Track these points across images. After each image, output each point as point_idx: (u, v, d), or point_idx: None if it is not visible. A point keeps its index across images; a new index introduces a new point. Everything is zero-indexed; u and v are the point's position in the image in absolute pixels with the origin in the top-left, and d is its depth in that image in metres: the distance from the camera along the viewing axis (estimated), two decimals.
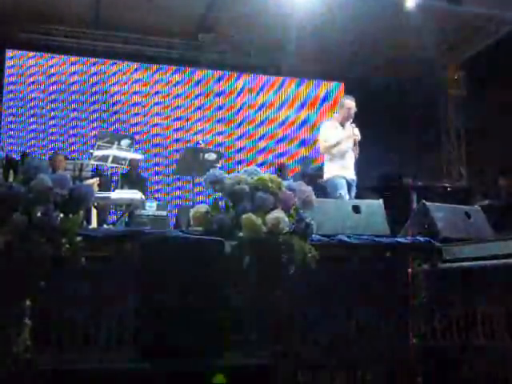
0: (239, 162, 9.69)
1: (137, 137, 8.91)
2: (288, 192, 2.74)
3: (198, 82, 9.84)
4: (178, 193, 9.29)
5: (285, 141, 10.07)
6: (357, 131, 5.56)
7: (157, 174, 9.37)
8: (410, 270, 3.28)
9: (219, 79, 9.95)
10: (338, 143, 5.52)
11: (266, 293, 2.61)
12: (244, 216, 2.60)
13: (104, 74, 9.40)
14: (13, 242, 2.35)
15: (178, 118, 9.63)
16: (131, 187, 6.51)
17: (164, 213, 6.60)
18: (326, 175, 5.63)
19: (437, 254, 3.29)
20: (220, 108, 9.86)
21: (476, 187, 8.35)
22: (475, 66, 9.03)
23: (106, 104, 9.33)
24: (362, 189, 6.03)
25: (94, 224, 5.51)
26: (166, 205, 7.34)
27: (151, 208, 6.36)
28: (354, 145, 5.54)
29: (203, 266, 2.37)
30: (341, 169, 5.55)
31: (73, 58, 9.23)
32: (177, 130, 9.59)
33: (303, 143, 10.13)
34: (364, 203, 3.63)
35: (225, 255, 2.48)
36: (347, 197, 5.39)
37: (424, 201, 3.71)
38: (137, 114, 9.43)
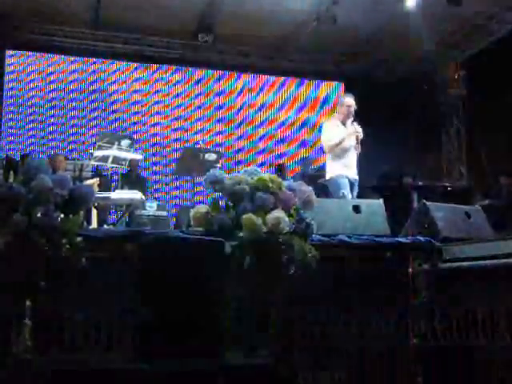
0: (239, 163, 9.68)
1: (136, 136, 8.94)
2: (288, 192, 2.74)
3: (198, 82, 9.83)
4: (177, 192, 9.29)
5: (285, 142, 10.07)
6: (359, 128, 5.53)
7: (156, 173, 9.37)
8: (410, 269, 3.28)
9: (219, 79, 9.94)
10: (342, 141, 5.50)
11: (266, 293, 2.61)
12: (244, 216, 2.60)
13: (103, 72, 9.40)
14: (13, 243, 2.35)
15: (178, 118, 9.63)
16: (131, 187, 6.52)
17: (164, 213, 6.61)
18: (329, 174, 5.61)
19: (437, 254, 3.29)
20: (220, 108, 9.86)
21: (476, 187, 8.35)
22: (476, 66, 9.03)
23: (105, 103, 9.33)
24: (363, 188, 6.03)
25: (94, 224, 5.51)
26: (166, 205, 7.35)
27: (151, 208, 6.36)
28: (357, 142, 5.53)
29: (203, 267, 2.37)
30: (343, 167, 5.52)
31: (72, 58, 9.23)
32: (176, 129, 9.58)
33: (303, 144, 10.12)
34: (364, 203, 3.63)
35: (225, 255, 2.48)
36: (350, 196, 5.38)
37: (424, 200, 3.71)
38: (136, 113, 9.43)
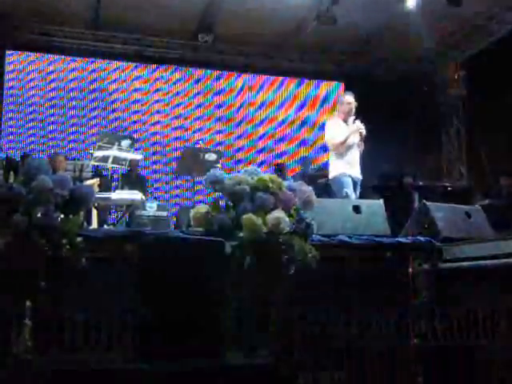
0: (238, 162, 9.67)
1: (136, 135, 8.95)
2: (288, 192, 2.74)
3: (198, 80, 9.82)
4: (177, 191, 9.28)
5: (284, 140, 10.05)
6: (361, 125, 5.49)
7: (156, 172, 9.35)
8: (410, 269, 3.28)
9: (219, 77, 9.93)
10: (347, 139, 5.47)
11: (266, 293, 2.61)
12: (244, 216, 2.60)
13: (103, 71, 9.38)
14: (13, 243, 2.35)
15: (178, 116, 9.61)
16: (131, 188, 6.52)
17: (164, 213, 6.60)
18: (332, 173, 5.58)
19: (437, 254, 3.29)
20: (219, 106, 9.84)
21: (476, 187, 8.35)
22: (476, 66, 9.03)
23: (105, 102, 9.31)
24: (363, 188, 6.02)
25: (94, 224, 5.51)
26: (166, 205, 7.34)
27: (151, 208, 6.36)
28: (361, 139, 5.50)
29: (203, 267, 2.37)
30: (347, 166, 5.49)
31: (73, 65, 9.21)
32: (176, 128, 9.57)
33: (303, 143, 10.10)
34: (364, 203, 3.63)
35: (225, 255, 2.48)
36: (353, 196, 5.36)
37: (424, 200, 3.71)
38: (136, 112, 9.42)
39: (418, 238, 3.38)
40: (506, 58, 7.74)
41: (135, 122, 9.39)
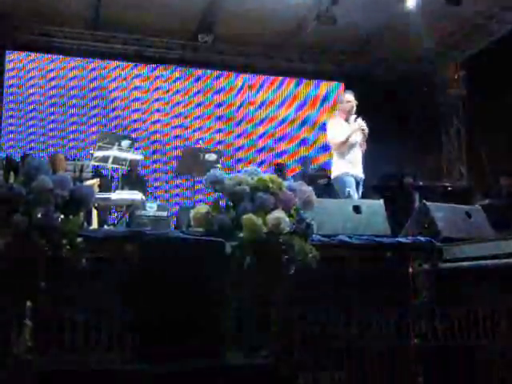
0: (238, 161, 9.67)
1: (136, 134, 8.98)
2: (288, 192, 2.74)
3: (198, 79, 9.81)
4: (177, 190, 9.28)
5: (285, 140, 10.04)
6: (363, 123, 5.46)
7: (156, 170, 9.35)
8: (410, 269, 3.28)
9: (219, 76, 9.93)
10: (349, 138, 5.45)
11: (266, 293, 2.61)
12: (244, 216, 2.60)
13: (103, 70, 9.38)
14: (13, 243, 2.35)
15: (178, 115, 9.61)
16: (132, 188, 6.52)
17: (164, 213, 6.61)
18: (335, 172, 5.54)
19: (437, 254, 3.29)
20: (219, 105, 9.83)
21: (476, 187, 8.35)
22: (476, 66, 9.03)
23: (105, 101, 9.30)
24: (364, 188, 6.01)
25: (94, 225, 5.51)
26: (166, 205, 7.34)
27: (152, 209, 6.36)
28: (364, 137, 5.46)
29: (204, 267, 2.37)
30: (349, 165, 5.46)
31: (73, 63, 9.21)
32: (176, 127, 9.56)
33: (303, 142, 10.10)
34: (365, 203, 3.64)
35: (225, 256, 2.48)
36: (356, 195, 5.34)
37: (424, 201, 3.71)
38: (136, 111, 9.42)
39: (418, 238, 3.38)
40: (506, 57, 7.74)
41: (135, 121, 9.39)
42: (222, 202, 2.78)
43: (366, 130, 5.45)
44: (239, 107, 9.93)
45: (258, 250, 2.58)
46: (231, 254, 2.53)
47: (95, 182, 5.70)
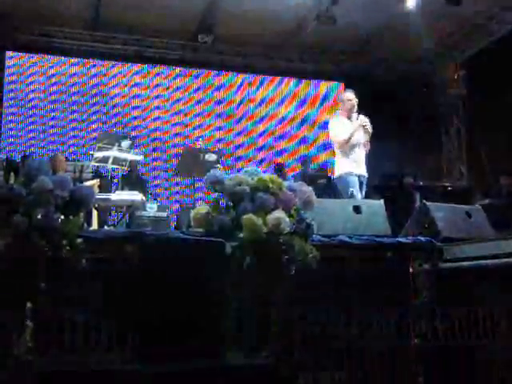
0: (238, 159, 9.66)
1: (136, 131, 8.99)
2: (289, 192, 2.74)
3: (197, 76, 9.80)
4: (177, 188, 9.27)
5: (284, 138, 10.03)
6: (365, 119, 5.43)
7: (156, 169, 9.34)
8: (410, 269, 3.28)
9: (218, 73, 9.92)
10: (351, 136, 5.41)
11: (266, 293, 2.61)
12: (244, 217, 2.60)
13: (102, 66, 9.37)
14: (13, 244, 2.35)
15: (177, 113, 9.59)
16: (132, 188, 6.52)
17: (165, 214, 6.60)
18: (338, 172, 5.52)
19: (438, 254, 3.29)
20: (219, 102, 9.81)
21: (476, 186, 8.35)
22: (476, 66, 9.03)
23: (104, 98, 9.29)
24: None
25: (94, 225, 5.51)
26: (166, 205, 7.34)
27: (152, 209, 6.35)
28: (367, 135, 5.44)
29: (204, 267, 2.37)
30: (352, 164, 5.43)
31: (72, 60, 9.22)
32: (176, 124, 9.55)
33: (303, 141, 10.09)
34: (365, 203, 3.64)
35: (225, 256, 2.48)
36: (359, 195, 5.31)
37: (424, 201, 3.71)
38: (136, 108, 9.41)
39: (419, 238, 3.38)
40: (505, 57, 7.75)
41: (135, 118, 9.39)
42: (222, 202, 2.78)
43: (368, 126, 5.43)
44: (239, 104, 9.91)
45: (258, 251, 2.58)
46: (231, 255, 2.53)
47: (95, 182, 5.70)
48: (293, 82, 10.20)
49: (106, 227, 6.05)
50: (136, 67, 9.52)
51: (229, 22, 8.77)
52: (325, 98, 10.28)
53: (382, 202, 3.65)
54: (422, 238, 3.35)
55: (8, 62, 8.98)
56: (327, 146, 9.85)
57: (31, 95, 9.00)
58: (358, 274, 3.17)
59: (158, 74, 9.61)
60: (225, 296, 2.41)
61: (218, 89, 9.85)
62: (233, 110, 9.86)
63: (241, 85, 9.97)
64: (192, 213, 2.78)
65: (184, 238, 2.84)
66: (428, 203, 3.65)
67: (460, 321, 3.10)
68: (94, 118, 9.21)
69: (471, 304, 3.09)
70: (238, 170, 2.89)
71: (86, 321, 2.64)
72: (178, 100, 9.63)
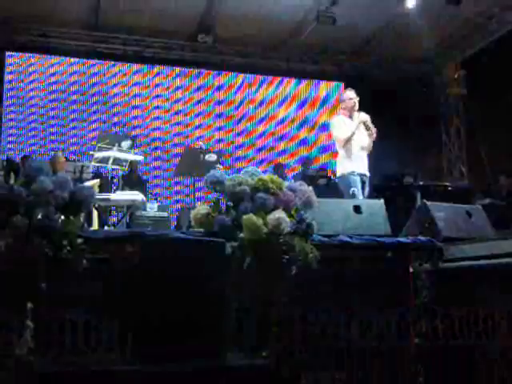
0: (238, 159, 9.66)
1: (136, 131, 9.00)
2: (289, 192, 2.74)
3: (198, 76, 9.81)
4: (178, 187, 9.27)
5: (284, 139, 10.03)
6: (364, 114, 5.41)
7: (156, 168, 9.35)
8: (410, 269, 3.28)
9: (219, 73, 9.92)
10: (353, 134, 5.37)
11: (266, 293, 2.61)
12: (245, 217, 2.60)
13: (102, 66, 9.37)
14: (14, 245, 2.35)
15: (177, 112, 9.60)
16: (132, 189, 6.52)
17: (165, 214, 6.60)
18: (340, 171, 5.49)
19: (438, 254, 3.29)
20: (220, 103, 9.82)
21: (476, 186, 8.35)
22: (476, 65, 9.03)
23: (104, 97, 9.30)
24: None
25: (95, 226, 5.51)
26: (166, 205, 7.34)
27: (152, 209, 6.36)
28: (368, 130, 5.45)
29: (204, 267, 2.38)
30: (354, 163, 5.40)
31: (72, 60, 9.23)
32: (176, 124, 9.55)
33: (303, 142, 10.09)
34: (365, 203, 3.63)
35: (225, 256, 2.48)
36: (361, 196, 5.29)
37: (425, 200, 3.71)
38: (136, 108, 9.42)
39: (419, 237, 3.38)
40: (506, 57, 7.75)
41: (135, 118, 9.40)
42: (223, 202, 2.78)
43: (368, 122, 5.42)
44: (239, 105, 9.91)
45: (258, 251, 2.59)
46: (231, 255, 2.53)
47: (95, 182, 5.70)
48: (293, 82, 10.20)
49: (106, 227, 6.05)
50: (136, 67, 9.53)
51: (228, 23, 8.78)
52: (325, 99, 10.28)
53: (382, 201, 3.64)
54: (422, 238, 3.35)
55: (8, 63, 8.98)
56: (327, 148, 9.85)
57: (31, 95, 9.00)
58: (358, 274, 3.17)
59: (158, 74, 9.61)
60: (225, 296, 2.41)
61: (218, 89, 9.85)
62: (233, 111, 9.87)
63: (241, 85, 9.97)
64: (192, 213, 2.79)
65: (184, 237, 2.84)
66: (428, 203, 3.65)
67: (460, 321, 3.10)
68: (94, 117, 9.22)
69: (471, 304, 3.09)
70: (238, 171, 2.89)
71: (86, 321, 2.64)
72: (178, 100, 9.64)
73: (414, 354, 3.12)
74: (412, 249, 3.31)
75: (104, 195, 5.57)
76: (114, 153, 6.08)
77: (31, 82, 9.03)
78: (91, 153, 6.38)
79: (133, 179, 7.43)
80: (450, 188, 7.40)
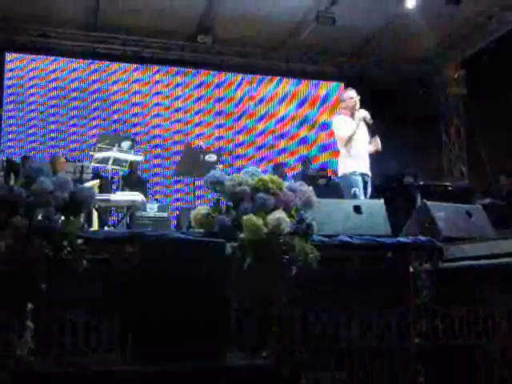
0: (238, 157, 9.65)
1: (136, 129, 9.02)
2: (289, 193, 2.74)
3: (197, 73, 9.80)
4: (178, 186, 9.26)
5: (284, 137, 10.02)
6: (364, 112, 5.39)
7: (156, 166, 9.34)
8: (411, 269, 3.27)
9: (218, 73, 9.92)
10: (354, 133, 5.34)
11: (266, 293, 2.61)
12: (245, 217, 2.60)
13: (103, 72, 9.39)
14: (14, 245, 2.35)
15: (177, 110, 9.59)
16: (132, 189, 6.52)
17: (165, 214, 6.60)
18: (341, 171, 5.46)
19: (438, 254, 3.29)
20: (219, 100, 9.82)
21: (477, 186, 8.35)
22: (476, 65, 9.03)
23: (104, 95, 9.31)
24: None
25: (95, 226, 5.51)
26: (166, 206, 7.35)
27: (152, 209, 6.36)
28: (369, 127, 5.41)
29: (204, 267, 2.38)
30: (356, 163, 5.37)
31: (72, 60, 9.23)
32: (176, 121, 9.55)
33: (303, 141, 10.08)
34: (365, 203, 3.63)
35: (226, 256, 2.48)
36: (362, 196, 5.28)
37: (425, 200, 3.71)
38: (136, 105, 9.42)
39: (419, 237, 3.37)
40: (506, 57, 7.75)
41: (135, 115, 9.39)
42: (223, 202, 2.78)
43: (368, 119, 5.40)
44: (239, 102, 9.90)
45: (258, 251, 2.59)
46: (231, 255, 2.53)
47: (95, 183, 5.70)
48: (292, 82, 10.19)
49: (106, 228, 6.05)
50: (136, 64, 9.52)
51: (228, 23, 8.78)
52: (325, 98, 10.28)
53: (382, 201, 3.64)
54: (423, 238, 3.35)
55: (7, 63, 8.99)
56: (327, 147, 9.86)
57: (31, 96, 9.01)
58: (358, 274, 3.17)
59: (157, 72, 9.62)
60: (225, 296, 2.41)
61: (218, 86, 9.84)
62: (232, 108, 9.86)
63: (240, 83, 9.96)
64: (192, 213, 2.79)
65: (184, 238, 2.84)
66: (428, 203, 3.65)
67: (460, 321, 3.10)
68: (94, 115, 9.22)
69: (471, 304, 3.09)
70: (238, 169, 2.89)
71: (86, 321, 2.64)
72: (178, 97, 9.64)
73: (415, 354, 3.12)
74: (412, 249, 3.31)
75: (104, 196, 5.57)
76: (113, 153, 6.09)
77: (31, 82, 9.04)
78: (91, 153, 6.39)
79: (133, 180, 7.43)
80: (450, 188, 7.40)
